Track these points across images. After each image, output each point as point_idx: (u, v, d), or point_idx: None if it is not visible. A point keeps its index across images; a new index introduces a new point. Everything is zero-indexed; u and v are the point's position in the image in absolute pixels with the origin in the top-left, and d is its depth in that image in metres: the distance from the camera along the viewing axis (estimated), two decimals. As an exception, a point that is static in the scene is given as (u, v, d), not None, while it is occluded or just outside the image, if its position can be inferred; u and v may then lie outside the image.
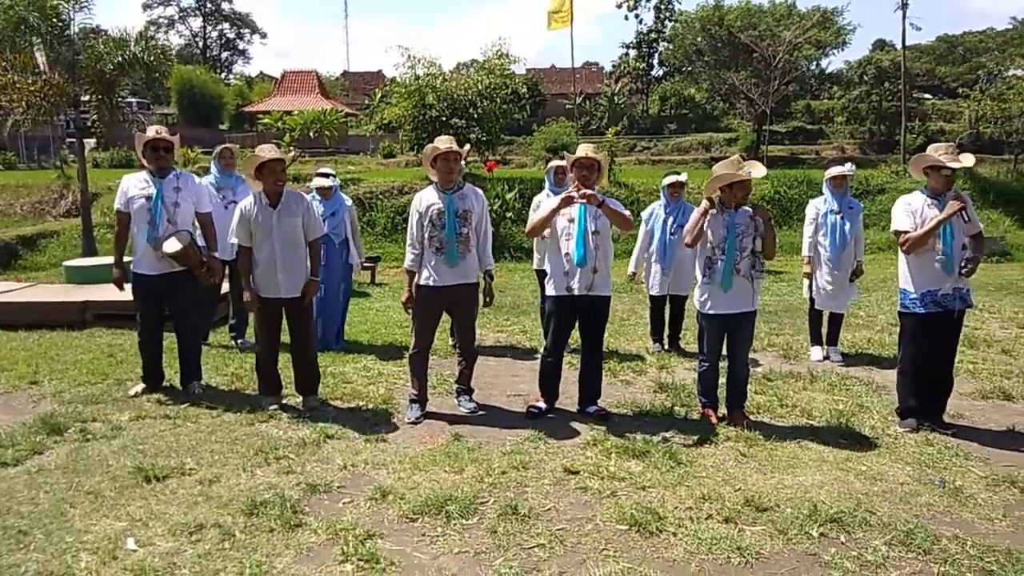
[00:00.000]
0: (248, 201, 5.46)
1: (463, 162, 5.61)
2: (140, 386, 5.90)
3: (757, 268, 5.16)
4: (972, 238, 5.09)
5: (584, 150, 5.33)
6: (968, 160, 5.10)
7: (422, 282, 5.38)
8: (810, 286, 7.24)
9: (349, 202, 7.72)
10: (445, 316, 5.66)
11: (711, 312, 5.24)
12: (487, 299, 5.63)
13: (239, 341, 7.51)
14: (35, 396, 5.84)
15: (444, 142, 5.35)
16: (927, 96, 40.99)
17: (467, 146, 5.79)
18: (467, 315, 5.57)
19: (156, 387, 5.92)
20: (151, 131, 5.84)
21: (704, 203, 5.15)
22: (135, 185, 5.77)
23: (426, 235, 5.34)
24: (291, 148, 17.50)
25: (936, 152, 5.09)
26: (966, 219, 4.98)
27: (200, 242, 5.94)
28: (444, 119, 18.41)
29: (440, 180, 5.35)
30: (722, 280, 5.11)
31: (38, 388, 6.02)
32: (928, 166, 5.12)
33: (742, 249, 5.09)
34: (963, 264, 4.98)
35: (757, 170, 5.14)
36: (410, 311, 5.56)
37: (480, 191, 5.60)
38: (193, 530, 3.67)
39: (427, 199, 5.39)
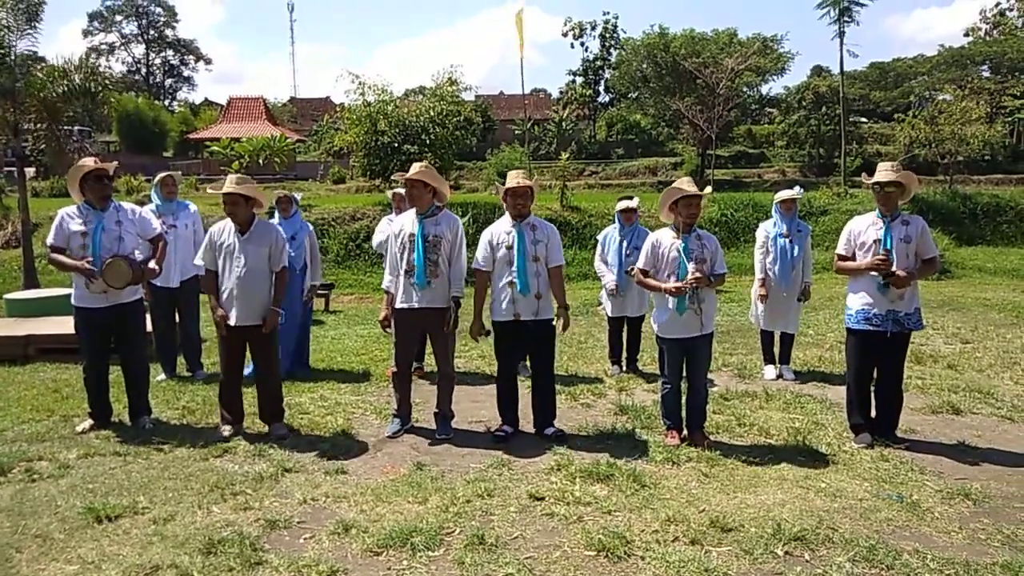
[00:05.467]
0: (219, 226, 5.49)
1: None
2: (88, 422, 5.69)
3: (707, 299, 5.23)
4: (924, 262, 5.24)
5: (515, 178, 5.41)
6: (881, 175, 5.21)
7: (396, 304, 5.45)
8: (757, 310, 7.38)
9: (310, 226, 7.67)
10: None
11: (669, 336, 5.30)
12: (448, 325, 5.47)
13: (196, 373, 7.36)
14: (-25, 436, 5.59)
15: (414, 168, 5.44)
16: (863, 120, 42.36)
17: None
18: (442, 339, 5.56)
19: (104, 423, 5.73)
20: (89, 162, 5.64)
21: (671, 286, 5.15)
22: (75, 220, 5.53)
23: (399, 257, 5.40)
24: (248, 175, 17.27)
25: (878, 170, 5.27)
26: (906, 240, 5.16)
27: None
28: (396, 145, 18.39)
29: (412, 205, 5.45)
30: (677, 304, 5.16)
31: (-22, 427, 5.77)
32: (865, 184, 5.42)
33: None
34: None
35: (703, 189, 5.32)
36: (388, 330, 5.65)
37: (456, 218, 5.62)
38: (149, 572, 3.54)
39: (400, 223, 5.50)
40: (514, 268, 5.30)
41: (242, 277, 5.36)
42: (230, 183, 5.39)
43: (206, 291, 5.57)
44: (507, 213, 5.49)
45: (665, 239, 5.27)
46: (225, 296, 5.43)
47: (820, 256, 15.92)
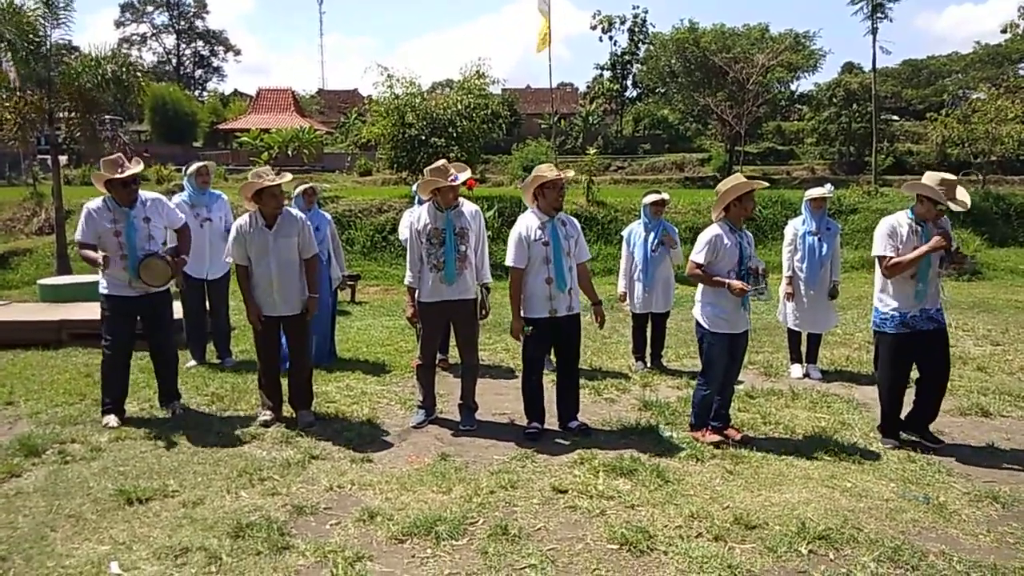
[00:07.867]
0: (243, 220, 5.50)
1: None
2: (112, 418, 5.52)
3: (763, 287, 5.22)
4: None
5: (552, 171, 5.35)
6: (963, 200, 5.03)
7: (423, 299, 5.48)
8: (785, 308, 7.30)
9: (328, 217, 7.74)
10: None
11: (722, 332, 5.22)
12: (482, 312, 5.68)
13: (225, 360, 7.45)
14: (11, 417, 5.72)
15: (459, 172, 5.44)
16: (895, 118, 41.74)
17: (467, 172, 5.69)
18: (468, 330, 5.63)
19: (121, 405, 5.66)
20: (112, 168, 5.45)
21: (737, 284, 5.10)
22: (103, 218, 5.49)
23: (424, 253, 5.39)
24: (275, 167, 17.40)
25: (933, 182, 5.03)
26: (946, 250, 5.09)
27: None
28: (423, 138, 18.43)
29: (442, 201, 5.40)
30: (744, 300, 5.15)
31: (14, 409, 5.91)
32: (924, 194, 5.06)
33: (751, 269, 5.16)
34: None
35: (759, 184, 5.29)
36: (417, 325, 5.67)
37: (476, 207, 5.64)
38: (178, 553, 3.61)
39: (424, 218, 5.45)
40: (551, 264, 5.26)
41: (273, 269, 5.41)
42: (264, 177, 5.40)
43: (240, 286, 5.57)
44: (532, 208, 5.41)
45: (725, 234, 5.17)
46: (259, 289, 5.49)
47: (849, 255, 15.75)
